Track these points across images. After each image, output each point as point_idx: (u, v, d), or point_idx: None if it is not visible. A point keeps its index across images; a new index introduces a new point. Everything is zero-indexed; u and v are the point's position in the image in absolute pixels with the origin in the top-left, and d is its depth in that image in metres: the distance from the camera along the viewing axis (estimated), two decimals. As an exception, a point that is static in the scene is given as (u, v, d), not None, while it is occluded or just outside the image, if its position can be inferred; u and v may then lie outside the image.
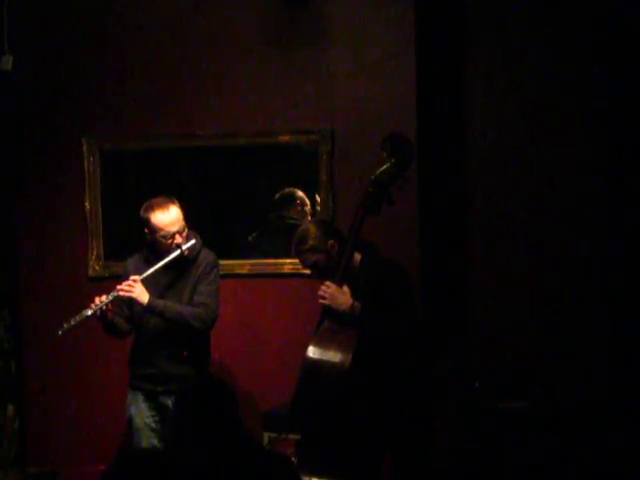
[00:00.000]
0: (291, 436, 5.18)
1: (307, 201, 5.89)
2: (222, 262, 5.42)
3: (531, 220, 5.82)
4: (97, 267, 6.16)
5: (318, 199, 5.85)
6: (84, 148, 6.13)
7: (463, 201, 5.90)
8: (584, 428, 5.32)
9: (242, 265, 5.98)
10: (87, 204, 6.15)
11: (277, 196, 5.93)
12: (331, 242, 4.81)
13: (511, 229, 5.84)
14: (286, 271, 5.89)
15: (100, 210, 6.16)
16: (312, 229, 4.89)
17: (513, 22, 5.78)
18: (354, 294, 4.70)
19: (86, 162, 6.14)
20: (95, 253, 6.17)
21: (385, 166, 4.74)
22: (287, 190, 5.92)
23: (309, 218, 5.84)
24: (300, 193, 5.90)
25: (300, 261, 4.98)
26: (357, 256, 4.82)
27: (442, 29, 5.83)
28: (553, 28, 5.73)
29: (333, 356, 4.57)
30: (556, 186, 5.72)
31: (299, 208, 5.90)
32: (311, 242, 4.82)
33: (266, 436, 5.54)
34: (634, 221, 5.59)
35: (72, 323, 5.02)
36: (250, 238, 6.04)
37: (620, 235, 5.63)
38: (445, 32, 5.83)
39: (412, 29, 5.67)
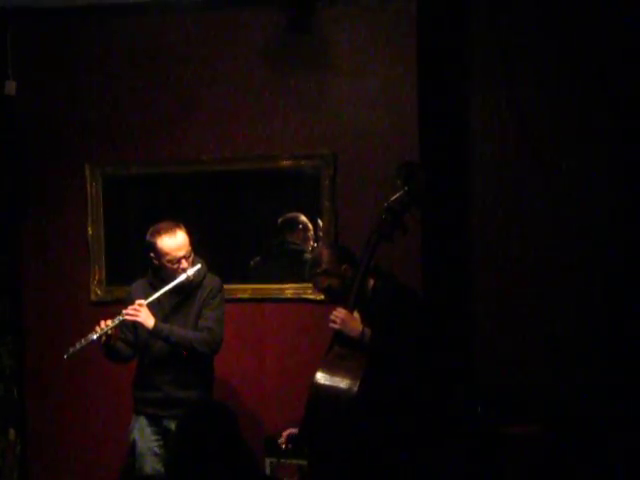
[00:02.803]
0: (293, 461, 5.20)
1: (310, 226, 5.90)
2: (225, 286, 5.40)
3: (534, 240, 5.83)
4: (99, 292, 6.17)
5: (320, 224, 5.87)
6: (87, 173, 6.15)
7: (466, 223, 5.91)
8: (589, 452, 5.32)
9: (244, 290, 5.97)
10: (89, 229, 6.15)
11: (280, 221, 5.94)
12: (345, 266, 4.84)
13: (514, 249, 5.84)
14: (288, 296, 5.90)
15: (102, 235, 6.16)
16: (326, 253, 4.92)
17: (516, 46, 5.80)
18: (366, 320, 4.72)
19: (89, 187, 6.15)
20: (97, 278, 6.17)
21: (398, 194, 4.76)
22: (290, 215, 5.93)
23: (312, 243, 5.86)
24: (303, 218, 5.91)
25: (313, 285, 5.00)
26: (371, 281, 4.84)
27: (444, 55, 5.85)
28: (556, 50, 5.75)
29: (341, 381, 4.57)
30: (559, 205, 5.75)
31: (302, 233, 5.92)
32: (324, 266, 4.85)
33: (268, 461, 5.53)
34: (637, 237, 5.63)
35: (77, 347, 5.02)
36: (252, 263, 6.05)
37: (624, 252, 5.64)
38: (447, 58, 5.86)
39: (414, 55, 5.70)
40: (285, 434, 4.99)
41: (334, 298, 4.82)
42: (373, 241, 4.73)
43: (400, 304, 4.76)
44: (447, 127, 5.88)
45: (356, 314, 4.71)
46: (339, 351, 4.70)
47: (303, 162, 5.90)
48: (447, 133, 5.88)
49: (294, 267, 5.84)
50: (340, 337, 4.70)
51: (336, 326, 4.69)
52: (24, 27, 6.21)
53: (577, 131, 5.78)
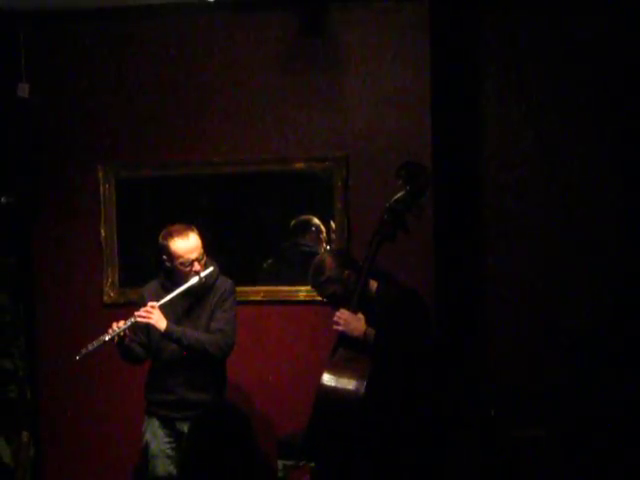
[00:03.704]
0: (306, 463, 5.19)
1: (323, 228, 5.90)
2: (237, 289, 5.39)
3: (547, 245, 5.82)
4: (112, 294, 6.17)
5: (333, 226, 5.86)
6: (100, 175, 6.15)
7: (478, 227, 5.90)
8: (601, 456, 5.30)
9: (257, 292, 5.98)
10: (102, 231, 6.16)
11: (293, 223, 5.94)
12: (347, 272, 4.84)
13: (527, 253, 5.84)
14: (301, 298, 5.89)
15: (115, 237, 6.16)
16: (328, 260, 4.92)
17: (528, 47, 5.80)
18: (369, 321, 4.72)
19: (102, 189, 6.15)
20: (110, 280, 6.18)
21: (400, 194, 4.77)
22: (303, 217, 5.93)
23: (325, 245, 5.86)
24: (316, 220, 5.91)
25: (317, 293, 5.02)
26: (373, 283, 4.85)
27: (457, 57, 5.85)
28: (569, 51, 5.75)
29: (347, 383, 4.58)
30: (571, 205, 5.75)
31: (315, 235, 5.91)
32: (328, 273, 4.86)
33: (281, 464, 5.52)
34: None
35: (90, 348, 5.02)
36: (265, 265, 6.05)
37: (636, 252, 5.64)
38: (460, 60, 5.85)
39: (427, 57, 5.69)
40: None
41: (338, 303, 4.81)
42: (376, 242, 4.74)
43: (404, 305, 4.78)
44: (460, 129, 5.88)
45: (360, 315, 4.71)
46: (344, 353, 4.72)
47: (315, 164, 5.89)
48: (460, 135, 5.87)
49: (307, 269, 5.82)
50: (345, 338, 4.71)
51: (340, 327, 4.71)
52: (37, 30, 6.22)
53: (590, 132, 5.77)
